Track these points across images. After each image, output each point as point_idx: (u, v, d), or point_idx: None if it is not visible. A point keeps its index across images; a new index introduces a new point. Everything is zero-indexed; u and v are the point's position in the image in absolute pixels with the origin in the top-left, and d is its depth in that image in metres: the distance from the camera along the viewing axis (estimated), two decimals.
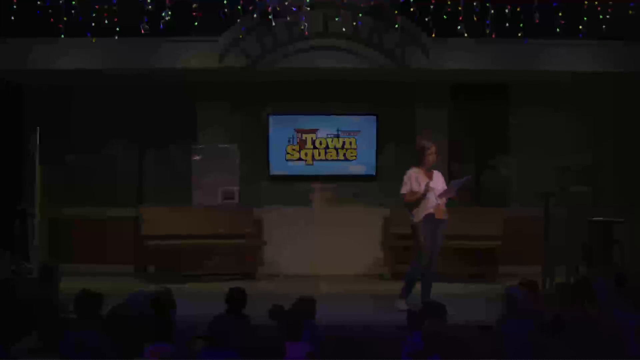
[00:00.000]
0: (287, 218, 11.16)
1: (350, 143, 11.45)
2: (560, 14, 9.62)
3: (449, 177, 11.40)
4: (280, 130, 11.43)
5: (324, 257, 10.87)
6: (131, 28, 9.68)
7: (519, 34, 9.71)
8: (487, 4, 9.61)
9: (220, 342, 5.00)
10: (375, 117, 11.40)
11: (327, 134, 11.44)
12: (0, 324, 5.50)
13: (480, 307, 8.14)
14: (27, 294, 6.49)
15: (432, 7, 9.61)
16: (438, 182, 8.38)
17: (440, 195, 8.26)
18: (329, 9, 10.17)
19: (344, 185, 11.53)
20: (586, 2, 9.61)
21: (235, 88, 11.26)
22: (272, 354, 4.71)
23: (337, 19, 10.07)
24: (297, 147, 11.45)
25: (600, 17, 9.56)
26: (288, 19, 10.08)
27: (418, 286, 8.46)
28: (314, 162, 11.43)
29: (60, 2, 9.45)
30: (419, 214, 8.25)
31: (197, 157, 11.19)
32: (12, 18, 9.46)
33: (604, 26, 9.59)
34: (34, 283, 7.50)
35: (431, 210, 8.22)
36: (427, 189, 8.19)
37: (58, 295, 6.76)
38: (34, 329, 5.53)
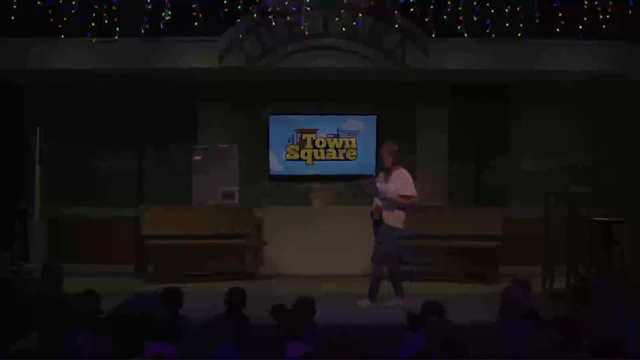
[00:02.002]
0: (287, 218, 11.16)
1: (350, 143, 11.45)
2: (560, 14, 9.62)
3: (449, 178, 11.50)
4: (280, 130, 11.43)
5: (324, 257, 10.86)
6: (131, 28, 9.68)
7: (519, 34, 9.71)
8: (487, 4, 9.61)
9: (221, 342, 5.01)
10: (375, 117, 11.40)
11: (327, 134, 11.44)
12: (0, 324, 5.50)
13: (479, 307, 8.14)
14: (27, 294, 6.48)
15: (432, 7, 9.61)
16: (392, 183, 8.57)
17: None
18: (329, 9, 10.16)
19: (344, 185, 11.53)
20: (586, 2, 9.60)
21: (235, 88, 11.26)
22: (272, 354, 4.71)
23: (337, 19, 10.07)
24: (297, 147, 11.45)
25: (600, 17, 9.56)
26: (288, 19, 10.09)
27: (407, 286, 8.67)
28: (314, 162, 11.43)
29: (60, 2, 9.45)
30: None
31: (197, 157, 11.19)
32: (12, 18, 9.46)
33: (604, 26, 9.59)
34: (34, 283, 7.50)
35: (372, 209, 8.67)
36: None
37: (61, 296, 6.76)
38: (34, 329, 5.52)
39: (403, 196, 8.57)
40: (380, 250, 8.64)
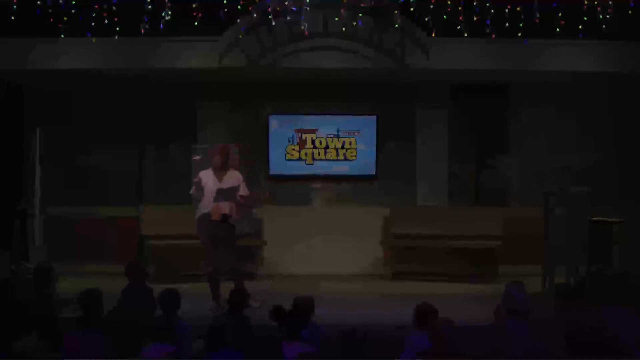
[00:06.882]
0: (287, 218, 11.16)
1: (350, 143, 11.45)
2: (560, 14, 9.62)
3: (449, 177, 11.51)
4: (280, 130, 11.43)
5: (324, 257, 10.86)
6: (131, 28, 9.68)
7: (519, 34, 9.71)
8: (487, 4, 9.60)
9: (221, 343, 5.01)
10: (375, 117, 11.40)
11: (327, 134, 11.44)
12: (0, 324, 5.50)
13: (480, 307, 8.13)
14: (27, 294, 6.49)
15: (432, 7, 9.60)
16: (227, 182, 8.43)
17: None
18: (329, 9, 10.17)
19: (344, 185, 11.53)
20: (586, 2, 9.60)
21: (235, 88, 11.26)
22: (272, 354, 4.72)
23: (337, 19, 10.07)
24: (297, 147, 11.45)
25: (600, 17, 9.55)
26: (288, 19, 10.09)
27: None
28: (314, 162, 11.43)
29: (60, 2, 9.45)
30: (196, 214, 8.47)
31: (197, 157, 11.17)
32: (12, 18, 9.46)
33: (604, 26, 9.59)
34: (33, 283, 7.50)
35: (206, 211, 8.37)
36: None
37: (55, 295, 6.76)
38: (34, 329, 5.53)
39: (242, 196, 8.49)
40: (230, 251, 8.50)
